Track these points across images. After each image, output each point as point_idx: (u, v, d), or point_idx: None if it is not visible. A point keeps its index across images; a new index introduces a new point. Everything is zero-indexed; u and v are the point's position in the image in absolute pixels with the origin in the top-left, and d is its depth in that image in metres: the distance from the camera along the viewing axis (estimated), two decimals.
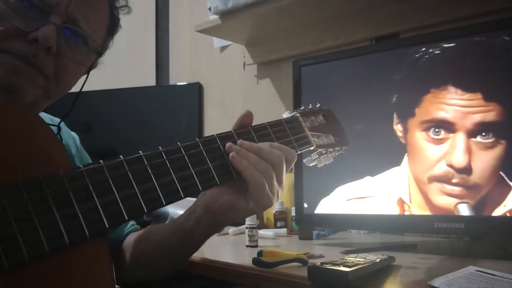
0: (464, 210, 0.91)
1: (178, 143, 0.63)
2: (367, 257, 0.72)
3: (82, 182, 0.51)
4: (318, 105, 0.86)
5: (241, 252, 1.02)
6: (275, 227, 1.29)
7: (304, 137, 0.77)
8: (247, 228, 1.05)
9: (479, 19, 1.15)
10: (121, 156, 0.56)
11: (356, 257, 0.71)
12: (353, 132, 1.07)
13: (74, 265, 0.49)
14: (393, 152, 1.01)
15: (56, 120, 0.88)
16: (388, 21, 1.36)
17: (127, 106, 1.90)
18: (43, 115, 0.86)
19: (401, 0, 1.30)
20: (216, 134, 0.67)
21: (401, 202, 1.00)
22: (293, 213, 1.22)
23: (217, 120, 1.86)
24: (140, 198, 0.55)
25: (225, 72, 1.85)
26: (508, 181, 0.88)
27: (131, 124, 1.87)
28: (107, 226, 0.51)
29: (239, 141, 0.67)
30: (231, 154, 0.65)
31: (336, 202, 1.08)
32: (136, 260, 0.79)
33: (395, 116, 1.01)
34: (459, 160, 0.92)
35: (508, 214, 0.87)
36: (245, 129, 0.70)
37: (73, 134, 0.93)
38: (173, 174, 0.59)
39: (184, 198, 0.59)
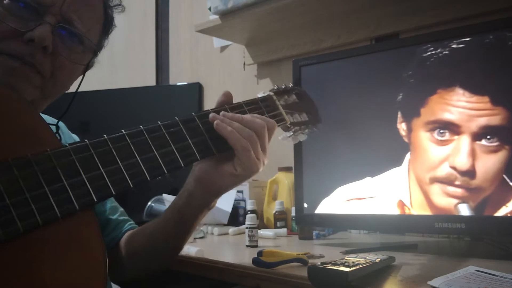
0: (464, 210, 0.91)
1: (158, 121, 0.66)
2: (367, 257, 0.72)
3: (69, 159, 0.54)
4: (291, 84, 0.90)
5: (241, 252, 1.02)
6: (275, 227, 1.29)
7: (279, 114, 0.80)
8: (247, 228, 1.05)
9: (479, 19, 1.15)
10: (104, 135, 0.59)
11: (356, 257, 0.71)
12: (353, 132, 1.08)
13: (64, 233, 0.51)
14: (394, 152, 1.01)
15: (54, 120, 0.88)
16: (388, 21, 1.36)
17: (127, 106, 1.90)
18: (45, 117, 0.87)
19: (401, 0, 1.30)
20: (194, 113, 0.69)
21: (401, 204, 1.00)
22: (293, 213, 1.22)
23: None
24: (124, 172, 0.57)
25: (225, 72, 1.85)
26: (511, 184, 0.88)
27: (131, 124, 1.83)
28: (95, 199, 0.54)
29: (221, 112, 0.70)
30: (215, 122, 0.68)
31: (336, 203, 1.08)
32: (134, 254, 0.80)
33: (399, 114, 1.01)
34: (463, 162, 0.91)
35: (509, 215, 0.87)
36: (221, 107, 0.73)
37: (74, 135, 0.94)
38: (155, 150, 0.62)
39: (166, 173, 0.62)
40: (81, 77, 0.81)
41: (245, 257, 0.90)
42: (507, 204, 0.88)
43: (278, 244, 1.10)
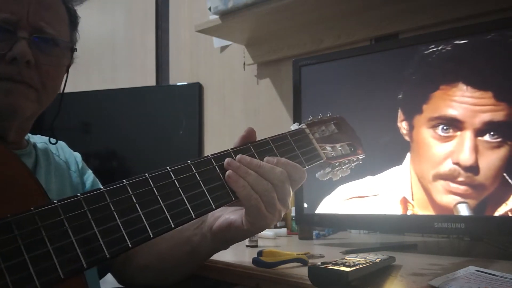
0: (464, 210, 0.91)
1: (168, 167, 0.58)
2: (367, 257, 0.72)
3: (56, 219, 0.47)
4: (329, 113, 0.82)
5: (241, 252, 1.01)
6: (275, 227, 1.29)
7: (312, 150, 0.72)
8: None
9: (479, 19, 1.15)
10: (101, 187, 0.52)
11: (356, 257, 0.71)
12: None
13: None
14: (395, 151, 1.01)
15: (54, 141, 0.89)
16: (388, 21, 1.36)
17: (127, 106, 1.90)
18: (42, 138, 0.87)
19: (401, 0, 1.30)
20: (211, 155, 0.63)
21: (405, 201, 1.00)
22: (293, 213, 1.22)
23: (217, 120, 1.86)
24: (122, 231, 0.50)
25: (225, 72, 1.85)
26: (511, 182, 0.88)
27: (131, 124, 1.87)
28: (84, 266, 0.46)
29: (238, 156, 0.63)
30: (227, 173, 0.61)
31: (337, 201, 1.08)
32: (145, 268, 0.80)
33: (400, 113, 1.01)
34: (467, 158, 0.91)
35: (509, 214, 0.87)
36: (244, 146, 0.65)
37: (75, 153, 0.95)
38: (161, 201, 0.54)
39: (174, 228, 0.54)
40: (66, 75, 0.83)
41: (245, 257, 0.89)
42: (507, 202, 0.88)
43: (278, 244, 1.10)
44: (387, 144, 1.02)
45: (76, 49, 0.82)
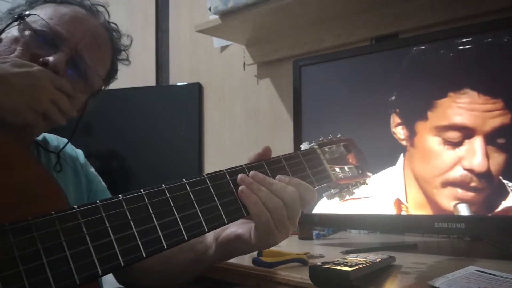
0: (464, 210, 0.91)
1: (184, 179, 0.58)
2: (367, 257, 0.72)
3: (75, 223, 0.47)
4: (339, 135, 0.83)
5: None
6: None
7: (323, 171, 0.72)
8: None
9: (479, 19, 1.15)
10: (120, 196, 0.53)
11: (356, 257, 0.71)
12: (353, 132, 1.07)
13: None
14: (388, 153, 1.01)
15: (62, 140, 0.92)
16: (388, 21, 1.36)
17: (127, 106, 1.90)
18: (51, 136, 0.89)
19: (401, 0, 1.30)
20: (225, 169, 0.63)
21: (398, 203, 1.00)
22: None
23: (217, 120, 1.86)
24: (138, 240, 0.50)
25: (225, 72, 1.85)
26: (505, 184, 0.88)
27: (131, 124, 1.87)
28: (100, 273, 0.47)
29: (251, 173, 0.64)
30: (240, 188, 0.62)
31: (331, 203, 1.08)
32: (149, 271, 0.80)
33: (396, 118, 1.01)
34: (479, 164, 0.90)
35: (509, 215, 0.87)
36: (258, 162, 0.66)
37: (78, 150, 0.96)
38: (176, 213, 0.55)
39: (187, 240, 0.55)
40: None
41: (245, 257, 0.89)
42: (503, 203, 0.88)
43: (278, 244, 1.10)
44: (382, 145, 1.02)
45: (95, 96, 0.85)
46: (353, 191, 0.77)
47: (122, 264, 0.48)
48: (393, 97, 1.02)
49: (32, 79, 0.66)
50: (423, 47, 0.99)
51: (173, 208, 0.55)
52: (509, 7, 1.12)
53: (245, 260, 0.84)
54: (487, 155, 0.90)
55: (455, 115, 0.94)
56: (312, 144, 0.77)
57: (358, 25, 1.42)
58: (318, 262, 0.68)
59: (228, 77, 1.84)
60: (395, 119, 1.01)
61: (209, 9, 1.50)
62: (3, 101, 0.63)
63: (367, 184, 0.80)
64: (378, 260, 0.72)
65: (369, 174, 0.80)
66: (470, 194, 0.91)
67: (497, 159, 0.89)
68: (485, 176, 0.90)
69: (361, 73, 1.09)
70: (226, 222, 0.59)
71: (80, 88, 0.78)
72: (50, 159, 0.86)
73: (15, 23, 0.74)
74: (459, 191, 0.92)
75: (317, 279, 0.65)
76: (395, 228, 1.14)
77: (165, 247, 0.52)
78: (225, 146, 1.81)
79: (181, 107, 1.86)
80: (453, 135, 0.93)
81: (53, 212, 0.47)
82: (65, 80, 0.73)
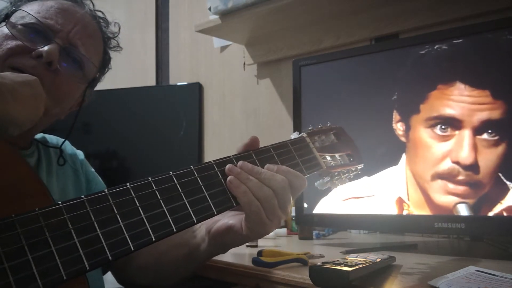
0: (464, 210, 0.91)
1: (170, 171, 0.58)
2: (367, 257, 0.72)
3: (60, 219, 0.47)
4: (329, 123, 0.82)
5: (241, 252, 1.01)
6: None
7: (313, 159, 0.72)
8: None
9: (479, 19, 1.15)
10: (105, 190, 0.52)
11: (356, 257, 0.71)
12: (353, 132, 1.08)
13: None
14: (391, 152, 1.01)
15: (62, 140, 0.91)
16: (388, 21, 1.36)
17: (127, 106, 1.90)
18: (51, 136, 0.89)
19: (401, 0, 1.30)
20: (213, 160, 0.63)
21: (400, 201, 1.00)
22: (293, 213, 1.22)
23: (217, 120, 1.86)
24: (125, 233, 0.50)
25: (225, 72, 1.85)
26: (505, 181, 0.88)
27: (131, 124, 1.87)
28: (87, 267, 0.46)
29: (240, 163, 0.63)
30: (229, 178, 0.62)
31: (334, 202, 1.08)
32: (145, 268, 0.80)
33: (395, 113, 1.01)
34: (466, 156, 0.91)
35: (505, 213, 0.88)
36: (246, 152, 0.66)
37: (78, 151, 0.96)
38: (163, 205, 0.54)
39: (176, 232, 0.54)
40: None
41: (245, 257, 0.89)
42: (502, 202, 0.88)
43: (278, 244, 1.10)
44: (384, 144, 1.02)
45: (92, 86, 0.85)
46: (345, 179, 0.77)
47: (110, 258, 0.48)
48: (394, 97, 1.02)
49: (36, 88, 0.63)
50: (423, 47, 0.99)
51: (160, 200, 0.54)
52: (509, 7, 1.13)
53: (245, 260, 0.84)
54: (475, 148, 0.90)
55: (444, 107, 0.94)
56: (301, 133, 0.76)
57: (358, 25, 1.42)
58: (318, 262, 0.68)
59: (228, 77, 1.84)
60: (396, 116, 1.02)
61: (209, 9, 1.50)
62: (13, 115, 0.57)
63: (359, 172, 0.80)
64: (378, 260, 0.71)
65: (360, 161, 0.79)
66: (460, 188, 0.91)
67: (489, 154, 0.89)
68: (472, 168, 0.90)
69: (361, 73, 1.09)
70: (215, 212, 0.59)
71: (76, 79, 0.78)
72: (50, 155, 0.85)
73: (3, 23, 0.74)
74: (450, 186, 0.92)
75: (317, 279, 0.65)
76: (395, 228, 1.14)
77: (154, 239, 0.52)
78: (225, 146, 1.81)
79: (181, 107, 1.86)
80: (442, 126, 0.94)
81: (36, 209, 0.47)
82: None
